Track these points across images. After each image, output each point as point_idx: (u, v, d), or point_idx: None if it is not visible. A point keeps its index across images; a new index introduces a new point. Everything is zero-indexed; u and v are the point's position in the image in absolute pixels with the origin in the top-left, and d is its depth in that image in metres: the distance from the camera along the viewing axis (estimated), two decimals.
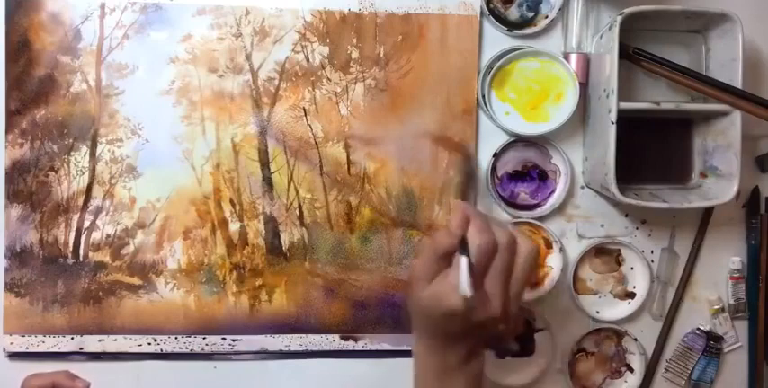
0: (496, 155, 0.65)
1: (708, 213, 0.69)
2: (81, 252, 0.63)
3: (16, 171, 0.63)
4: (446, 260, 0.50)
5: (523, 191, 0.67)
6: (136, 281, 0.64)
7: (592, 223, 0.68)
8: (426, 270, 0.50)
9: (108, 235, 0.64)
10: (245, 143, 0.64)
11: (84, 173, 0.63)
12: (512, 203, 0.66)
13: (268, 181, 0.65)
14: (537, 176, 0.66)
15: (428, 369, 0.52)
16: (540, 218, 0.66)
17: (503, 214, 0.66)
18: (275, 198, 0.65)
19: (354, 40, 0.65)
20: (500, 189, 0.66)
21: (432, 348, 0.52)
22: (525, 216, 0.66)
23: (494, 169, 0.66)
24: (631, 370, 0.68)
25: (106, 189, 0.63)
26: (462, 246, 0.49)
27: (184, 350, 0.64)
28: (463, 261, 0.47)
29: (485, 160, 0.66)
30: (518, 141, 0.66)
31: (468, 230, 0.50)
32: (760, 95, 0.62)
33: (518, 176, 0.66)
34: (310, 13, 0.64)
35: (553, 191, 0.67)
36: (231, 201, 0.64)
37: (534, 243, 0.51)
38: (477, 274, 0.48)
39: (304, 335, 0.65)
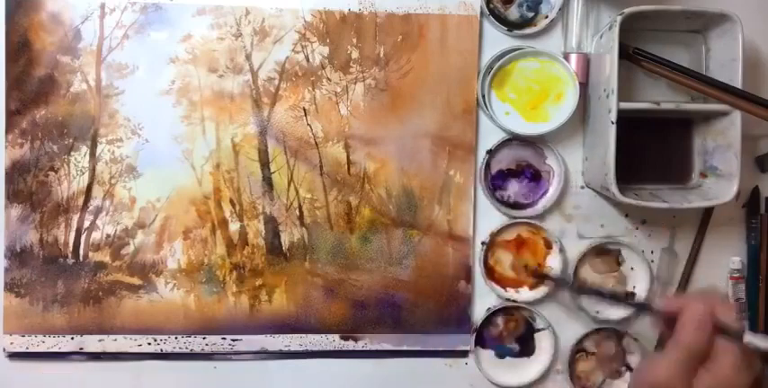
0: (490, 152, 0.65)
1: (708, 213, 0.69)
2: (81, 252, 0.63)
3: (16, 171, 0.63)
4: (698, 362, 0.45)
5: (514, 189, 0.67)
6: (136, 281, 0.64)
7: (592, 223, 0.68)
8: (675, 376, 0.44)
9: (108, 235, 0.64)
10: (245, 143, 0.64)
11: (84, 173, 0.63)
12: (504, 202, 0.66)
13: (268, 181, 0.65)
14: (530, 176, 0.66)
15: None
16: (540, 218, 0.66)
17: (495, 212, 0.66)
18: (275, 198, 0.65)
19: (354, 40, 0.65)
20: (492, 185, 0.66)
21: None
22: (518, 215, 0.66)
23: (488, 166, 0.66)
24: (631, 370, 0.68)
25: (106, 189, 0.63)
26: (717, 327, 0.45)
27: (184, 350, 0.64)
28: (752, 339, 0.44)
29: (480, 158, 0.66)
30: (513, 140, 0.66)
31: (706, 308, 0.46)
32: (760, 95, 0.62)
33: (511, 174, 0.66)
34: (310, 13, 0.64)
35: (546, 192, 0.67)
36: (231, 201, 0.64)
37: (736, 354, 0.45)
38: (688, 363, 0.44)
39: (304, 335, 0.65)
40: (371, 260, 0.65)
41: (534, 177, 0.67)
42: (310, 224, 0.65)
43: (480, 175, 0.65)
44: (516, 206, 0.67)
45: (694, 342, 0.45)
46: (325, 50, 0.64)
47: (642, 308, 0.51)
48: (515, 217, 0.66)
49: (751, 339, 0.45)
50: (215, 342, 0.64)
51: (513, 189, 0.67)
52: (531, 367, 0.67)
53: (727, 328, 0.45)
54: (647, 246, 0.68)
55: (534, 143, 0.66)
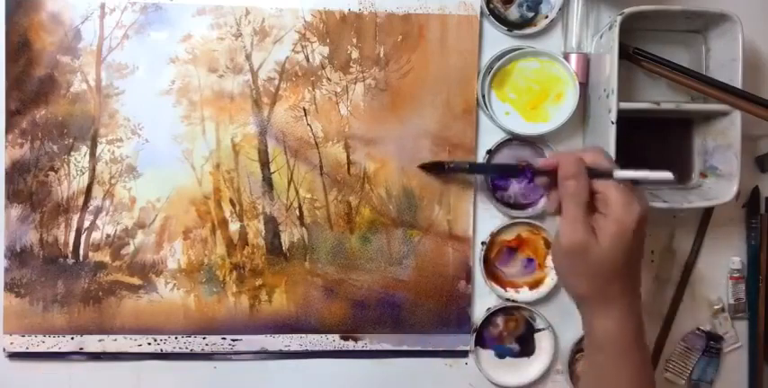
0: (490, 153, 0.65)
1: (708, 213, 0.69)
2: (81, 252, 0.63)
3: (16, 171, 0.63)
4: (588, 206, 0.50)
5: (514, 188, 0.67)
6: (136, 281, 0.64)
7: None
8: (583, 228, 0.49)
9: (108, 235, 0.64)
10: (245, 143, 0.64)
11: (84, 173, 0.63)
12: (503, 201, 0.66)
13: (268, 181, 0.65)
14: (530, 176, 0.66)
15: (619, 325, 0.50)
16: (540, 218, 0.66)
17: (495, 212, 0.66)
18: (275, 198, 0.65)
19: (354, 40, 0.65)
20: (492, 185, 0.66)
21: (594, 300, 0.50)
22: (518, 215, 0.66)
23: None
24: None
25: (106, 189, 0.63)
26: (591, 172, 0.50)
27: (184, 350, 0.64)
28: (624, 173, 0.49)
29: (480, 158, 0.66)
30: (513, 140, 0.66)
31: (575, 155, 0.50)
32: (760, 95, 0.62)
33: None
34: (310, 13, 0.64)
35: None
36: (231, 201, 0.64)
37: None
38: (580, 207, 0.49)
39: (304, 335, 0.65)
40: (371, 259, 0.65)
41: (534, 177, 0.66)
42: (310, 224, 0.65)
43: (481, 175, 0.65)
44: (516, 206, 0.67)
45: (575, 192, 0.49)
46: (325, 50, 0.64)
47: (529, 173, 0.53)
48: (515, 217, 0.66)
49: (619, 173, 0.49)
50: (215, 342, 0.64)
51: (514, 189, 0.67)
52: (531, 367, 0.67)
53: (598, 169, 0.49)
54: (647, 246, 0.68)
55: (534, 143, 0.66)
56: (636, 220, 0.48)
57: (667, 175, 0.50)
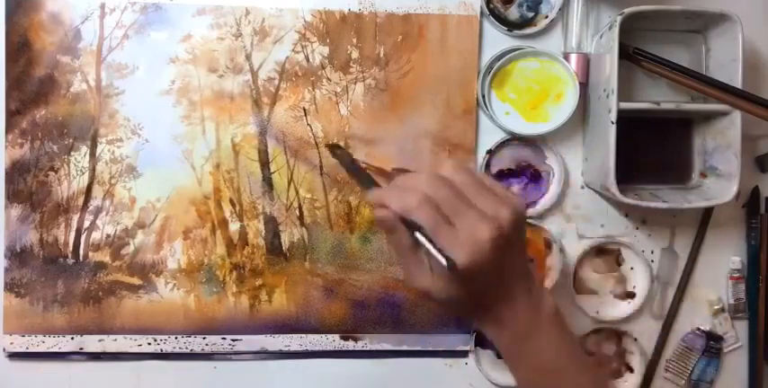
0: (490, 152, 0.65)
1: (708, 213, 0.69)
2: (81, 252, 0.63)
3: (16, 171, 0.63)
4: (403, 243, 0.45)
5: (514, 189, 0.67)
6: (136, 281, 0.64)
7: (592, 223, 0.68)
8: (397, 258, 0.46)
9: (108, 235, 0.64)
10: (245, 143, 0.64)
11: (84, 173, 0.63)
12: None
13: (268, 181, 0.65)
14: (530, 176, 0.66)
15: (510, 339, 0.47)
16: (540, 218, 0.66)
17: None
18: (275, 198, 0.65)
19: (354, 40, 0.65)
20: None
21: (484, 320, 0.47)
22: None
23: (488, 166, 0.66)
24: (631, 370, 0.68)
25: (106, 189, 0.63)
26: (404, 222, 0.44)
27: (184, 350, 0.64)
28: (419, 237, 0.43)
29: (480, 158, 0.66)
30: (513, 140, 0.66)
31: (390, 197, 0.44)
32: (760, 95, 0.62)
33: (511, 174, 0.66)
34: (310, 13, 0.64)
35: (546, 192, 0.67)
36: (231, 201, 0.64)
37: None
38: (440, 227, 0.43)
39: (304, 335, 0.65)
40: (371, 259, 0.65)
41: (534, 177, 0.67)
42: (310, 224, 0.65)
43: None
44: None
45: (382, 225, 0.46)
46: (326, 50, 0.64)
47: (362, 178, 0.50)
48: None
49: (419, 235, 0.43)
50: (215, 342, 0.64)
51: (514, 190, 0.67)
52: None
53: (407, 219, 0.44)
54: (647, 246, 0.68)
55: (534, 143, 0.66)
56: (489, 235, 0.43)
57: (444, 263, 0.42)
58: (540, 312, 0.48)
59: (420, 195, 0.43)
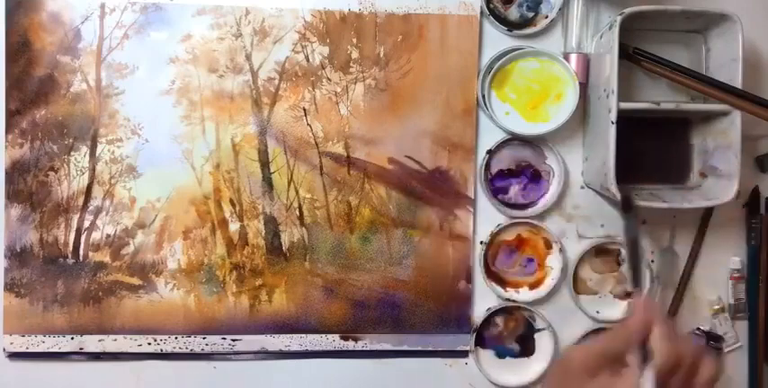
0: (490, 153, 0.65)
1: (708, 213, 0.69)
2: (81, 252, 0.63)
3: (16, 171, 0.63)
4: (613, 360, 0.45)
5: (514, 189, 0.67)
6: (136, 281, 0.64)
7: (592, 223, 0.68)
8: (589, 363, 0.45)
9: (108, 235, 0.64)
10: (245, 143, 0.64)
11: (84, 173, 0.63)
12: (503, 201, 0.66)
13: (268, 181, 0.65)
14: (530, 176, 0.66)
15: None
16: (540, 218, 0.66)
17: (495, 212, 0.66)
18: (275, 198, 0.65)
19: (354, 40, 0.65)
20: (493, 186, 0.66)
21: None
22: (518, 215, 0.66)
23: (488, 166, 0.66)
24: None
25: (106, 189, 0.63)
26: (643, 354, 0.44)
27: (184, 350, 0.64)
28: (649, 375, 0.43)
29: (479, 158, 0.66)
30: (513, 140, 0.66)
31: (653, 336, 0.44)
32: (760, 95, 0.62)
33: (511, 174, 0.66)
34: (310, 13, 0.64)
35: (546, 192, 0.67)
36: (231, 201, 0.64)
37: (717, 364, 0.45)
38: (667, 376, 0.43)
39: (304, 335, 0.65)
40: (371, 259, 0.65)
41: (534, 177, 0.67)
42: (310, 224, 0.65)
43: (481, 175, 0.65)
44: (516, 206, 0.67)
45: (615, 342, 0.45)
46: (326, 50, 0.64)
47: None
48: (515, 217, 0.66)
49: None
50: (215, 342, 0.64)
51: (514, 189, 0.67)
52: (531, 367, 0.67)
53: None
54: (647, 246, 0.68)
55: (534, 143, 0.66)
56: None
57: None
58: None
59: (679, 355, 0.44)
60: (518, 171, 0.66)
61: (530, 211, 0.66)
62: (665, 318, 0.47)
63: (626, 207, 0.50)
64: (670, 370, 0.43)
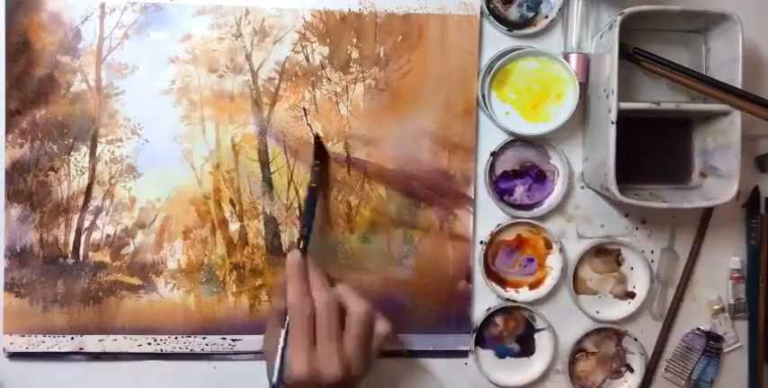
0: (494, 154, 0.65)
1: (708, 213, 0.69)
2: (81, 252, 0.63)
3: (16, 171, 0.63)
4: (282, 315, 0.52)
5: (519, 190, 0.67)
6: (136, 281, 0.64)
7: (592, 223, 0.68)
8: (273, 320, 0.51)
9: (108, 235, 0.64)
10: (245, 143, 0.64)
11: (84, 173, 0.63)
12: (509, 202, 0.66)
13: (268, 181, 0.65)
14: (534, 176, 0.66)
15: None
16: (540, 218, 0.66)
17: (500, 213, 0.66)
18: (275, 198, 0.65)
19: (354, 40, 0.65)
20: (499, 189, 0.66)
21: None
22: (523, 215, 0.66)
23: (492, 168, 0.66)
24: (631, 370, 0.68)
25: (106, 189, 0.63)
26: (286, 307, 0.50)
27: (184, 350, 0.64)
28: (281, 340, 0.49)
29: (484, 159, 0.66)
30: (517, 141, 0.66)
31: (287, 290, 0.51)
32: (760, 95, 0.62)
33: (515, 175, 0.66)
34: (310, 13, 0.64)
35: (551, 192, 0.67)
36: (231, 201, 0.64)
37: (367, 304, 0.52)
38: (306, 337, 0.49)
39: None
40: (371, 259, 0.65)
41: (539, 177, 0.66)
42: None
43: (486, 177, 0.65)
44: (522, 207, 0.67)
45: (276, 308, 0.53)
46: (326, 50, 0.64)
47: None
48: (517, 217, 0.66)
49: None
50: (215, 342, 0.64)
51: (519, 190, 0.67)
52: (531, 367, 0.67)
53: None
54: (647, 246, 0.68)
55: (538, 143, 0.66)
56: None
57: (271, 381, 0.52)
58: None
59: (310, 304, 0.50)
60: (522, 172, 0.66)
61: (536, 211, 0.66)
62: (301, 270, 0.53)
63: (319, 155, 0.58)
64: (303, 319, 0.49)
